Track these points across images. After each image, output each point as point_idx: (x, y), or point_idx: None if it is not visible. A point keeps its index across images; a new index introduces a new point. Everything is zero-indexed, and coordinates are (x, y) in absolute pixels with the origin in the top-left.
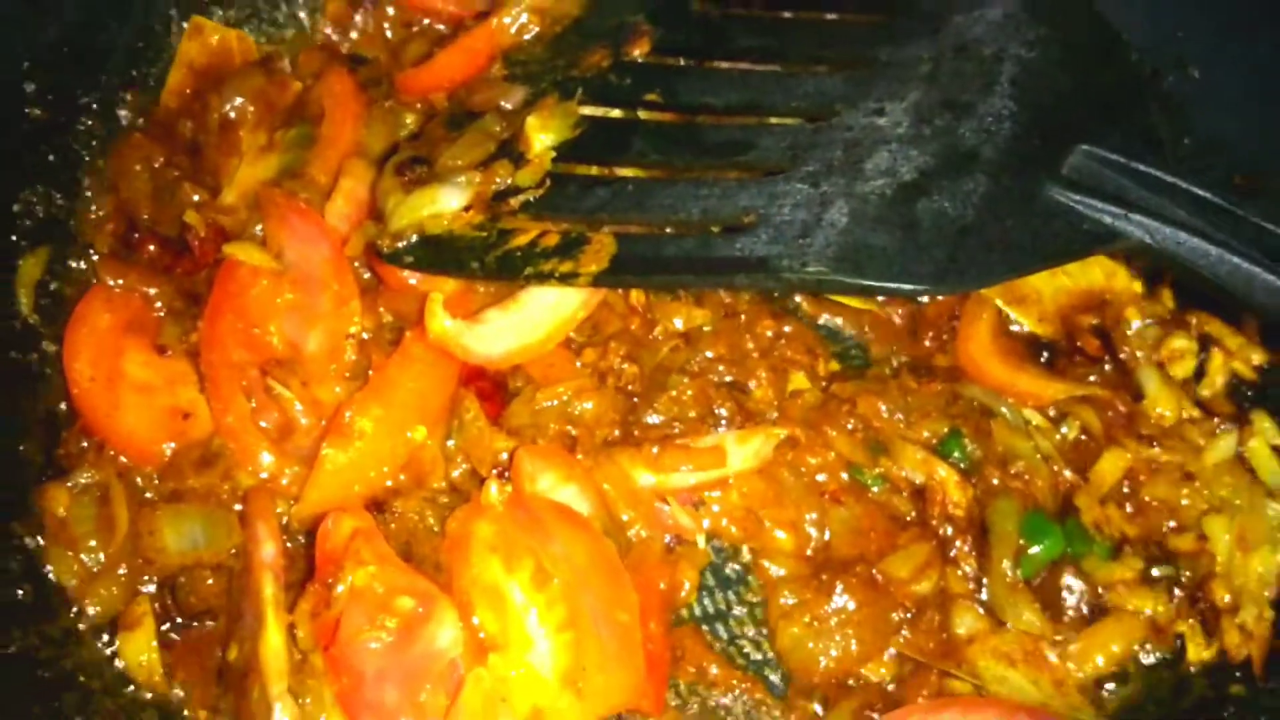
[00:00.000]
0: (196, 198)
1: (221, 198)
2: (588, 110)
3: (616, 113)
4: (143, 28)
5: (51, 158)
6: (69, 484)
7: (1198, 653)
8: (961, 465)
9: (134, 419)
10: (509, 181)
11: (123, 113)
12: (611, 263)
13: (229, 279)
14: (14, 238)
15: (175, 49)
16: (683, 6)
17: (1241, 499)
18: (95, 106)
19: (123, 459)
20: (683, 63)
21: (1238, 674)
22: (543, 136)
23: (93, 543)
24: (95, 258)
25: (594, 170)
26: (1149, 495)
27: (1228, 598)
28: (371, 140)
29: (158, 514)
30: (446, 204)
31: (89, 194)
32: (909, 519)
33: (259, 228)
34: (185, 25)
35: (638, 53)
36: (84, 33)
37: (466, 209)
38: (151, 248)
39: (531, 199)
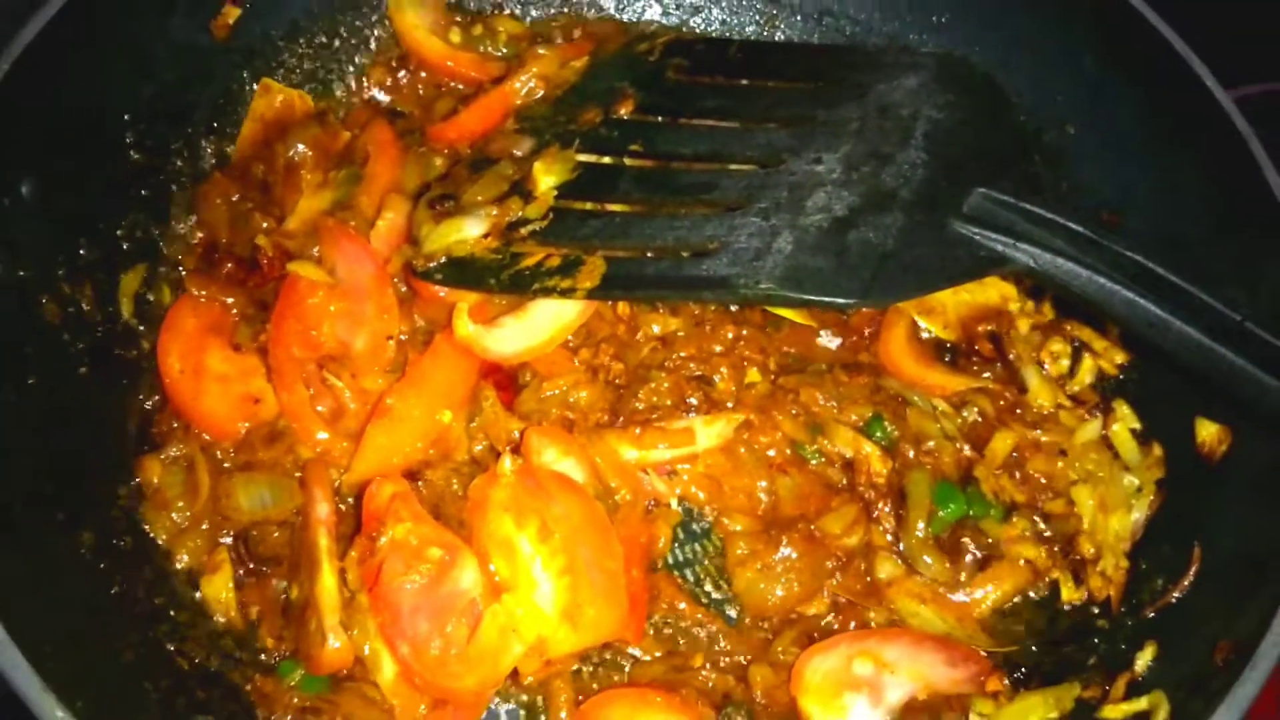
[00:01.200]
0: (265, 225)
1: (286, 225)
2: (583, 157)
3: (607, 160)
4: (222, 88)
5: (146, 192)
6: (161, 456)
7: (1069, 594)
8: (883, 443)
9: (214, 404)
10: (520, 214)
11: (206, 156)
12: (602, 280)
13: (291, 290)
14: (117, 257)
15: (249, 105)
16: (659, 75)
17: (1104, 472)
18: (184, 151)
19: (205, 436)
20: (659, 120)
21: (1099, 610)
22: (547, 178)
23: (180, 504)
24: (183, 273)
25: (588, 206)
26: (1032, 469)
27: (1092, 550)
28: (407, 179)
29: (233, 480)
30: (469, 232)
31: (178, 221)
32: (841, 486)
33: (316, 249)
34: (256, 86)
35: (624, 111)
36: (175, 92)
37: (485, 236)
38: (229, 265)
39: (538, 228)
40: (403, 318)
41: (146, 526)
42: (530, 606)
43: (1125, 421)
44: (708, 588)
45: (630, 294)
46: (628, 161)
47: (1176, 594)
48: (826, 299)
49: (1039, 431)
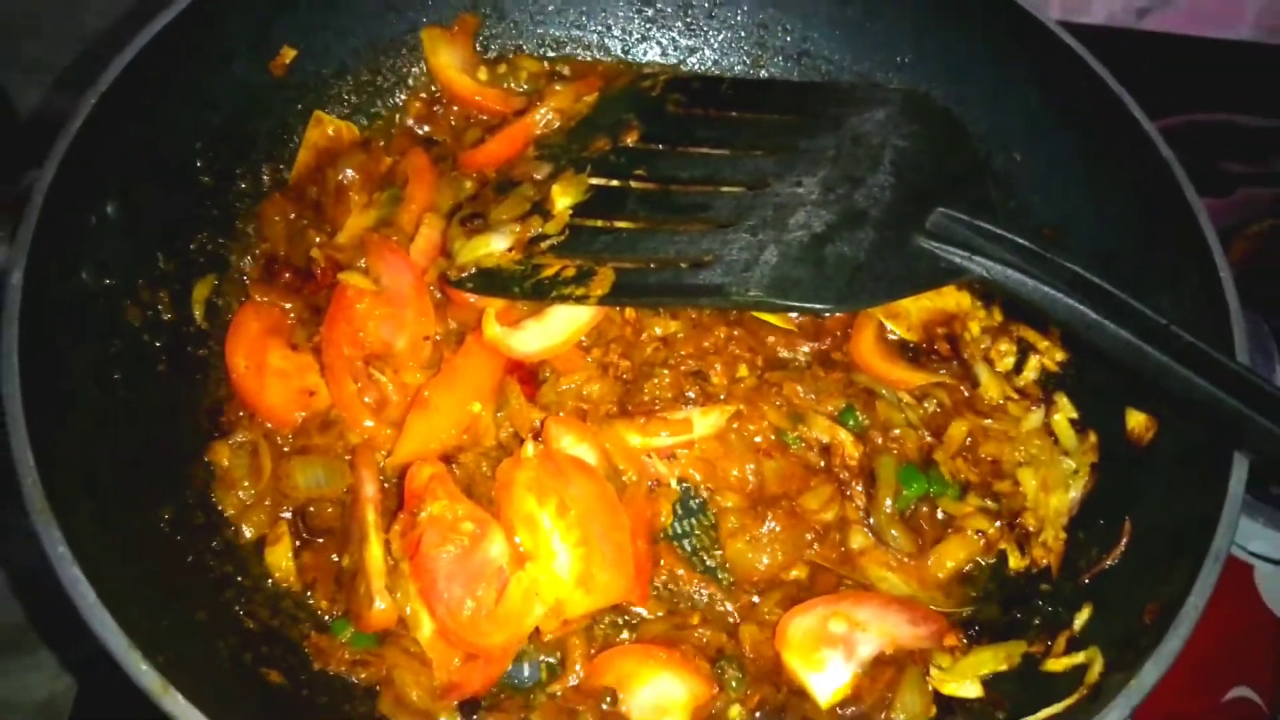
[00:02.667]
0: (318, 240)
1: (336, 240)
2: (595, 180)
3: (615, 183)
4: (279, 120)
5: (215, 211)
6: (229, 442)
7: (1015, 562)
8: (855, 430)
9: (275, 396)
10: (539, 231)
11: (265, 179)
12: (612, 288)
13: (342, 297)
14: (190, 268)
15: (303, 134)
16: (661, 108)
17: (1045, 456)
18: (247, 175)
19: (267, 424)
20: (661, 148)
21: (1041, 576)
22: (563, 199)
23: (246, 483)
24: (247, 282)
25: (600, 223)
26: (983, 453)
27: (1034, 524)
28: (441, 200)
29: (291, 463)
30: (495, 247)
31: (242, 237)
32: (818, 468)
33: (363, 261)
34: (310, 119)
35: (630, 140)
36: (239, 123)
37: (509, 250)
38: (287, 275)
39: (555, 243)
40: (438, 320)
41: (216, 503)
42: (550, 573)
43: (1065, 412)
44: (703, 556)
45: (636, 300)
46: (634, 184)
47: (1109, 562)
48: (807, 305)
49: (990, 420)
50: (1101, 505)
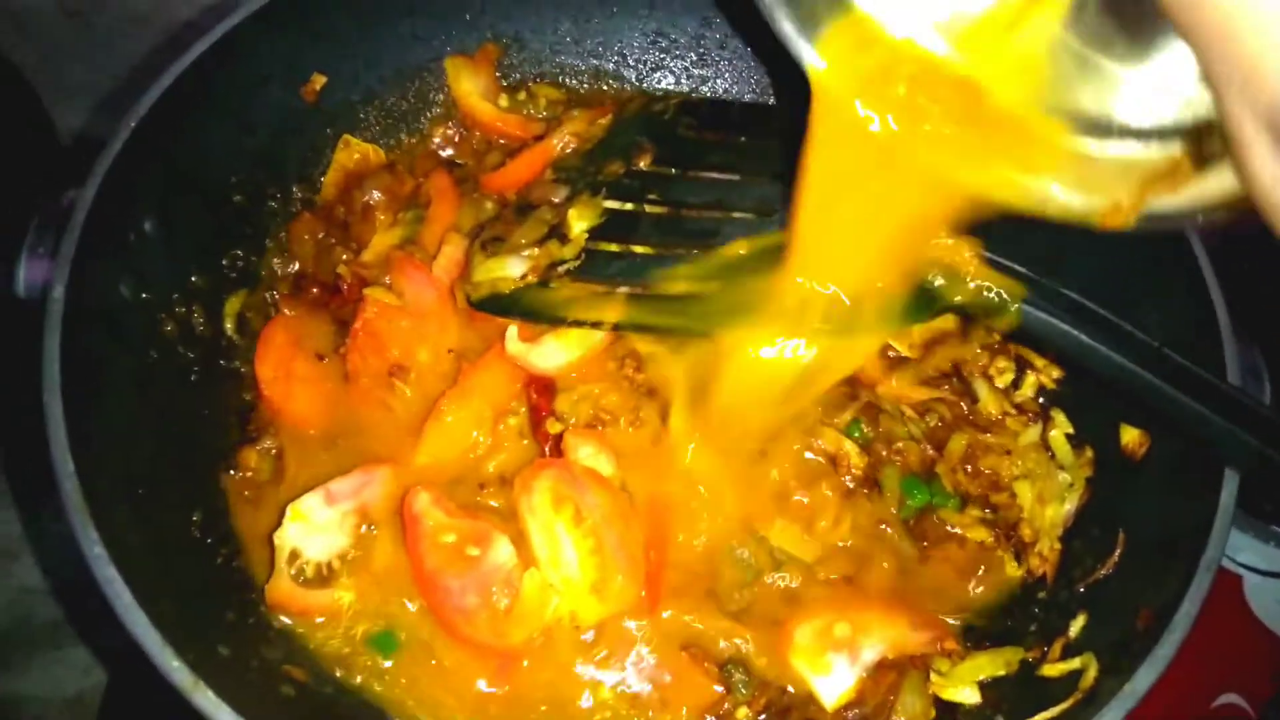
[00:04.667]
0: (345, 257)
1: (362, 257)
2: (609, 204)
3: (629, 206)
4: (309, 143)
5: (248, 229)
6: (258, 447)
7: (1011, 571)
8: (860, 442)
9: (300, 405)
10: (558, 255)
11: (295, 199)
12: (625, 314)
13: (367, 311)
14: (223, 283)
15: (332, 157)
16: (673, 132)
17: (1042, 470)
18: (277, 195)
19: (293, 430)
20: (673, 172)
21: (1038, 584)
22: (579, 223)
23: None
24: (277, 296)
25: (614, 247)
26: (983, 465)
27: (1030, 535)
28: (463, 220)
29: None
30: (511, 271)
31: (273, 254)
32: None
33: (388, 278)
34: (339, 142)
35: (642, 164)
36: (271, 146)
37: (525, 276)
38: (315, 290)
39: (572, 268)
40: (459, 335)
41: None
42: (565, 580)
43: (1061, 427)
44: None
45: (648, 327)
46: (647, 208)
47: (1104, 571)
48: None
49: (989, 435)
50: (1096, 516)
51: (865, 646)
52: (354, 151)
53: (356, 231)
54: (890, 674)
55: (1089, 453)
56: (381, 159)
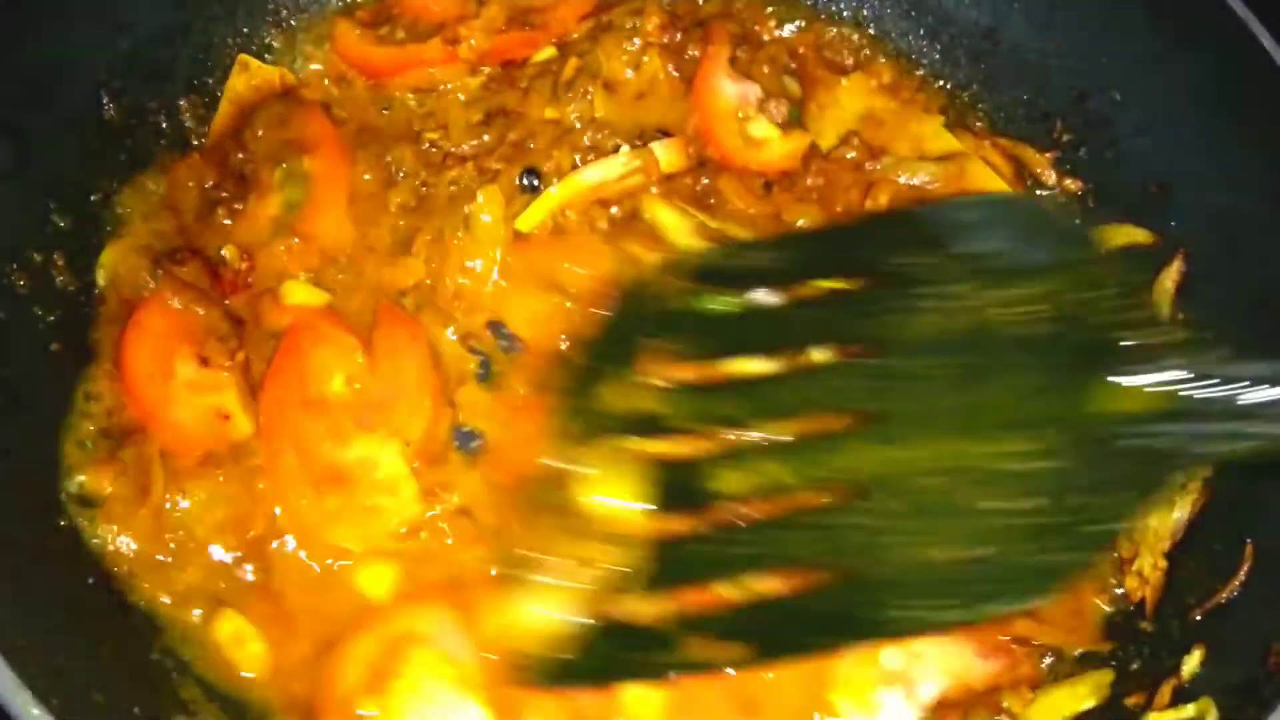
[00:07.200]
0: (228, 222)
1: (240, 232)
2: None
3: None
4: (201, 44)
5: (121, 156)
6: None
7: (1091, 596)
8: None
9: (182, 412)
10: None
11: (186, 116)
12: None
13: (297, 342)
14: (90, 229)
15: (228, 70)
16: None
17: None
18: (162, 112)
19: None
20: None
21: (1137, 611)
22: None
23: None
24: (159, 273)
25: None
26: None
27: (1127, 551)
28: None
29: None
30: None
31: (149, 198)
32: None
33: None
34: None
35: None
36: (151, 47)
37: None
38: (195, 263)
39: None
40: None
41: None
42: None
43: None
44: None
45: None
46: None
47: (1226, 595)
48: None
49: None
50: (1217, 526)
51: (921, 680)
52: (253, 77)
53: (255, 184)
54: (953, 714)
55: None
56: (290, 82)
